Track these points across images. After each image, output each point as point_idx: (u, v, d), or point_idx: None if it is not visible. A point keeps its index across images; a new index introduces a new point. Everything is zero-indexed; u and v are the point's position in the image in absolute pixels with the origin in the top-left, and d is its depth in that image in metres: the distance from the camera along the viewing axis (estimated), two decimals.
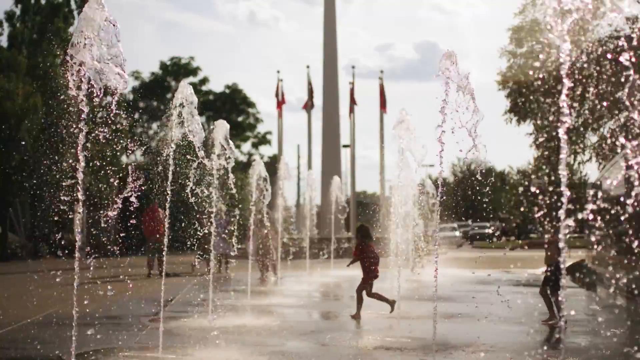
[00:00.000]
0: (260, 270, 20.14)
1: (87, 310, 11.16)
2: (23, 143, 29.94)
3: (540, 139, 41.16)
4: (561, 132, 4.18)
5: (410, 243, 19.53)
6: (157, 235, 19.33)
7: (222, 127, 11.96)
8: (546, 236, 11.56)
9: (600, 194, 17.18)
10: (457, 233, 49.50)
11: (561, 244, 4.54)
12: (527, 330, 10.84)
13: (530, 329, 10.91)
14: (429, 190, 21.25)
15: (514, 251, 11.44)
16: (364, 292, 11.97)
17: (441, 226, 44.72)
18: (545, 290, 11.18)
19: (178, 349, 8.91)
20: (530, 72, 39.34)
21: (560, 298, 11.07)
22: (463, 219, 54.97)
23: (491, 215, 67.21)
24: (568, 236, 4.57)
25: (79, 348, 7.84)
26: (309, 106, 43.36)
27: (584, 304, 14.05)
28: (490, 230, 58.27)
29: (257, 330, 10.74)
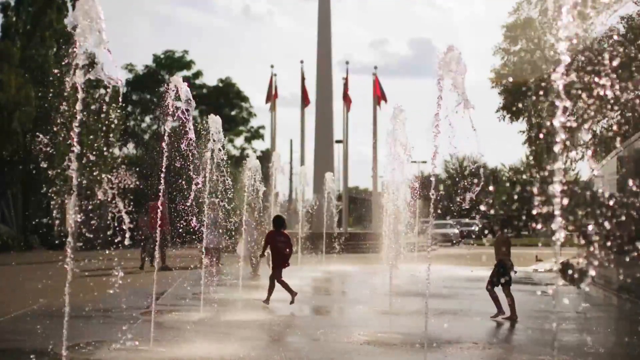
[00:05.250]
0: (251, 265, 20.10)
1: (79, 302, 11.16)
2: (16, 133, 29.86)
3: (532, 134, 41.13)
4: (557, 123, 4.19)
5: (398, 239, 19.55)
6: (161, 230, 19.25)
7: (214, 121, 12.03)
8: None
9: (591, 192, 17.23)
10: (456, 230, 48.40)
11: (555, 237, 4.55)
12: (518, 326, 10.89)
13: (521, 325, 10.95)
14: (420, 185, 21.19)
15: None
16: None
17: (436, 222, 44.17)
18: (492, 286, 11.43)
19: (169, 342, 8.91)
20: (526, 68, 39.34)
21: (498, 294, 11.33)
22: (455, 215, 54.57)
23: (477, 213, 66.95)
24: (560, 234, 4.58)
25: (70, 340, 7.81)
26: (306, 103, 43.09)
27: (575, 302, 14.10)
28: (476, 228, 58.16)
29: (249, 324, 10.75)
